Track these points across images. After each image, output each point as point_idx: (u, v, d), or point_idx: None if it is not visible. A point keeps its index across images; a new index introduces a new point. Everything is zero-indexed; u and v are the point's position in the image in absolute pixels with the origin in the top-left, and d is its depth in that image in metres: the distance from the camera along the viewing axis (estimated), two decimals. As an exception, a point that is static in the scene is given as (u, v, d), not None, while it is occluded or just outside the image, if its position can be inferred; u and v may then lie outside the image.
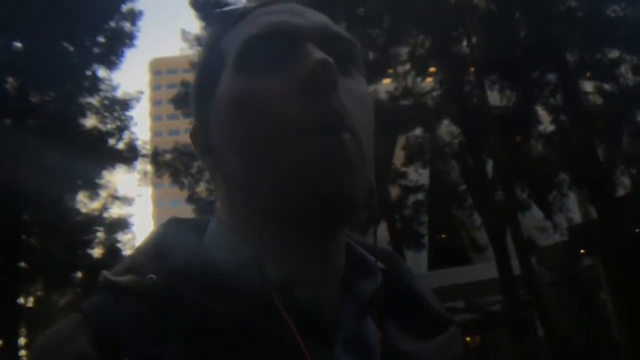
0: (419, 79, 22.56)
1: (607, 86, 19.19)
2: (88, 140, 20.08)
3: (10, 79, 19.00)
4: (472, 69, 20.62)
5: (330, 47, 0.81)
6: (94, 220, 22.22)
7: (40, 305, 29.35)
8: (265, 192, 0.78)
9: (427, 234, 26.42)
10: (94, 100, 21.09)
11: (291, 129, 0.75)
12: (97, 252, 22.70)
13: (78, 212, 21.70)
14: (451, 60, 20.52)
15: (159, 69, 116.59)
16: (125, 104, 21.86)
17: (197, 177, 22.98)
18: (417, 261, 28.67)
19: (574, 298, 23.81)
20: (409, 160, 23.58)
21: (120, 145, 21.65)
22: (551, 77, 19.62)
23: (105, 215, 22.82)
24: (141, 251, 0.82)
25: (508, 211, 18.95)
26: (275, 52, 0.80)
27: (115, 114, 21.57)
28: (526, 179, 20.58)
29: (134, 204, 29.41)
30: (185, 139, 18.95)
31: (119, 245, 23.65)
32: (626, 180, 19.91)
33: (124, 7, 21.13)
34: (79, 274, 21.34)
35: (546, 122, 20.66)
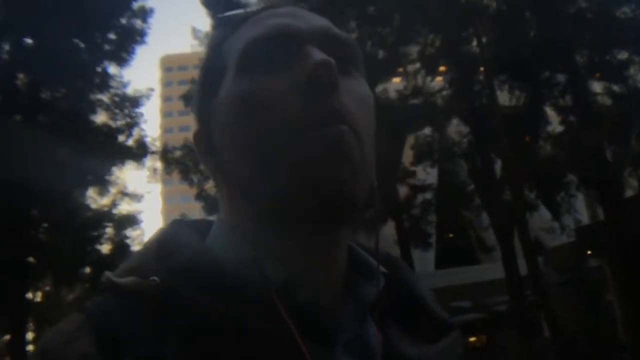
0: (428, 78, 22.53)
1: (616, 87, 19.12)
2: (98, 137, 20.09)
3: (21, 76, 19.02)
4: (482, 68, 20.53)
5: (331, 49, 0.81)
6: (104, 217, 22.19)
7: (49, 300, 29.43)
8: (265, 193, 0.78)
9: (435, 234, 26.34)
10: (104, 97, 21.13)
11: (291, 129, 0.76)
12: (106, 248, 22.67)
13: (87, 208, 21.67)
14: (461, 59, 20.45)
15: (170, 65, 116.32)
16: (135, 101, 21.87)
17: (207, 174, 22.82)
18: (424, 260, 28.66)
19: (581, 299, 23.73)
20: (418, 159, 23.52)
21: (130, 142, 21.67)
22: (560, 77, 19.57)
23: (115, 211, 22.79)
24: (143, 252, 0.83)
25: (516, 211, 18.88)
26: (277, 55, 0.80)
27: (126, 111, 21.58)
28: (534, 179, 20.49)
29: (144, 201, 29.26)
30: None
31: (128, 241, 23.59)
32: (634, 182, 19.79)
33: (135, 5, 21.17)
34: (88, 270, 21.25)
35: (555, 123, 20.61)
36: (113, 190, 22.32)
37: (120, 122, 21.53)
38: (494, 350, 27.13)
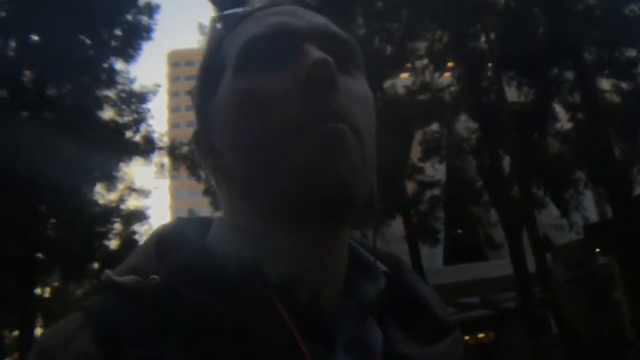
0: (436, 74, 22.51)
1: (624, 85, 19.12)
2: (105, 133, 20.15)
3: (27, 72, 19.10)
4: (490, 64, 20.52)
5: (330, 47, 0.81)
6: (111, 212, 22.31)
7: (57, 296, 29.51)
8: (265, 193, 0.78)
9: (443, 230, 26.31)
10: (110, 93, 21.19)
11: (290, 128, 0.75)
12: (114, 243, 22.85)
13: (95, 204, 21.79)
14: (469, 55, 20.45)
15: (177, 60, 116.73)
16: (142, 97, 21.92)
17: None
18: (432, 256, 28.64)
19: (589, 296, 23.68)
20: (426, 155, 23.49)
21: (137, 138, 21.74)
22: (569, 74, 19.57)
23: (123, 207, 22.94)
24: (143, 251, 0.83)
25: (524, 208, 18.85)
26: (276, 53, 0.80)
27: (132, 107, 21.64)
28: (543, 176, 20.49)
29: (151, 196, 29.36)
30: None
31: (135, 236, 23.74)
32: (643, 180, 19.79)
33: (141, 1, 21.24)
34: (96, 266, 21.36)
35: (563, 120, 20.59)
36: (121, 186, 22.49)
37: (127, 118, 21.61)
38: (501, 346, 27.13)
